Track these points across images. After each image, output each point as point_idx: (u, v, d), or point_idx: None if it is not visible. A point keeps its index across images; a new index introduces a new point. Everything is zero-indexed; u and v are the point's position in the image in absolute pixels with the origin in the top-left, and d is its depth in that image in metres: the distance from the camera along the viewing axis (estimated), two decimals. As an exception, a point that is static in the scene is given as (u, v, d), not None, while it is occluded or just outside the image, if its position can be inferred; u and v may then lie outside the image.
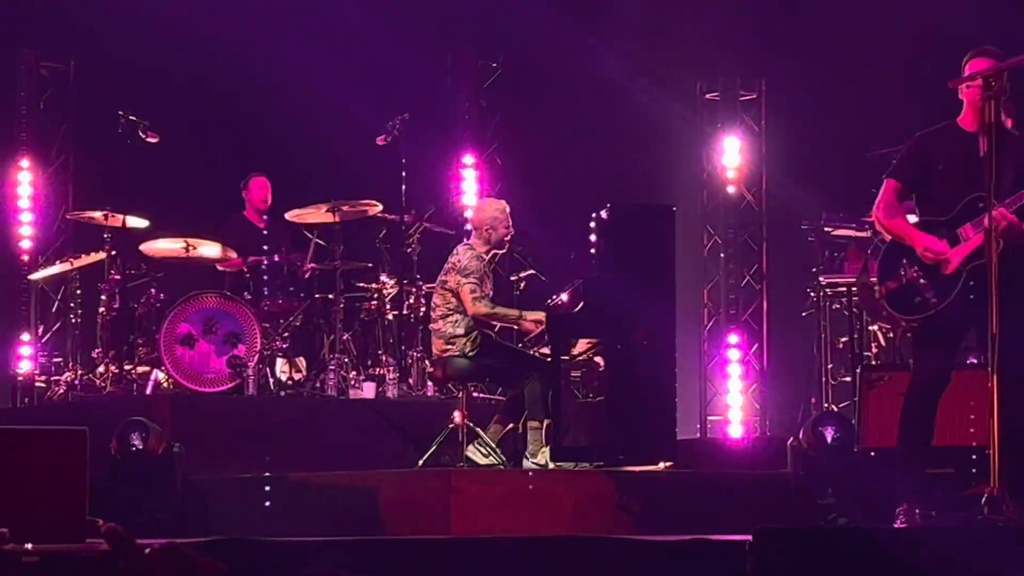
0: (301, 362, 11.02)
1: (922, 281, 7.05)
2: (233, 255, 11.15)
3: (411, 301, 11.15)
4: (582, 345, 9.32)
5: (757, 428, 12.06)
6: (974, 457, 8.46)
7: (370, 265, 11.44)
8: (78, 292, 11.82)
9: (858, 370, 9.48)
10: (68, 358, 11.77)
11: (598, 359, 9.34)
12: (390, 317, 11.18)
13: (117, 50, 12.50)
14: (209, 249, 11.06)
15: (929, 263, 7.02)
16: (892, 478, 7.15)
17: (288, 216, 11.38)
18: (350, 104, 11.89)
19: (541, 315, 9.27)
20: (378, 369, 10.95)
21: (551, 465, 8.93)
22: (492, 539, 7.04)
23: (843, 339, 10.98)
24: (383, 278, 11.30)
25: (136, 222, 11.02)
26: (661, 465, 8.94)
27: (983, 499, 6.55)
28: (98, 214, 11.05)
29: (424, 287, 11.02)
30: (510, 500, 8.39)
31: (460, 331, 9.33)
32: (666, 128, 12.65)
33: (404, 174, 11.33)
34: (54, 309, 12.58)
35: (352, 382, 10.79)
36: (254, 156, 12.31)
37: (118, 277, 10.92)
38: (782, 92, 12.46)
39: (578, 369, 9.71)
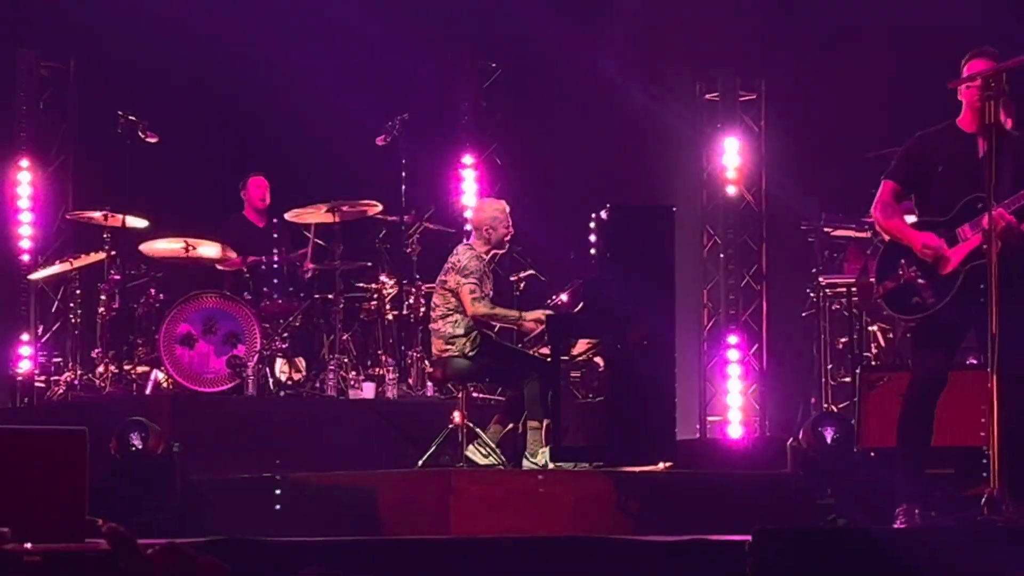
0: (301, 362, 11.01)
1: (920, 281, 7.05)
2: (233, 255, 11.14)
3: (411, 301, 11.15)
4: (582, 345, 9.32)
5: (757, 428, 12.03)
6: (984, 461, 8.43)
7: (370, 265, 11.44)
8: (78, 292, 11.79)
9: (858, 370, 9.48)
10: (68, 358, 11.75)
11: (598, 359, 9.34)
12: (390, 317, 11.18)
13: (117, 50, 12.48)
14: (209, 249, 11.06)
15: (928, 260, 7.02)
16: (892, 478, 7.15)
17: (288, 216, 11.37)
18: (350, 104, 11.87)
19: (541, 314, 9.27)
20: (378, 369, 10.95)
21: (551, 465, 8.93)
22: (492, 539, 7.03)
23: (843, 339, 10.97)
24: (383, 278, 11.31)
25: (136, 222, 11.04)
26: (661, 465, 8.94)
27: (983, 499, 6.55)
28: (98, 214, 11.05)
29: (424, 287, 11.02)
30: (510, 500, 8.38)
31: (460, 331, 9.33)
32: (666, 128, 12.62)
33: (404, 174, 11.34)
34: (54, 309, 12.55)
35: (352, 382, 10.79)
36: (254, 156, 12.30)
37: (118, 277, 10.93)
38: (782, 92, 12.45)
39: (578, 369, 9.73)
